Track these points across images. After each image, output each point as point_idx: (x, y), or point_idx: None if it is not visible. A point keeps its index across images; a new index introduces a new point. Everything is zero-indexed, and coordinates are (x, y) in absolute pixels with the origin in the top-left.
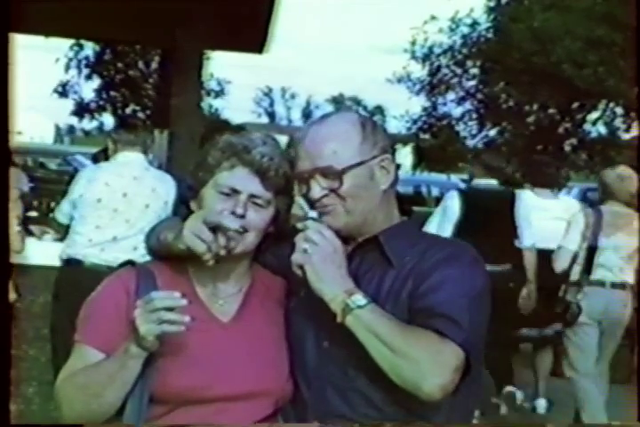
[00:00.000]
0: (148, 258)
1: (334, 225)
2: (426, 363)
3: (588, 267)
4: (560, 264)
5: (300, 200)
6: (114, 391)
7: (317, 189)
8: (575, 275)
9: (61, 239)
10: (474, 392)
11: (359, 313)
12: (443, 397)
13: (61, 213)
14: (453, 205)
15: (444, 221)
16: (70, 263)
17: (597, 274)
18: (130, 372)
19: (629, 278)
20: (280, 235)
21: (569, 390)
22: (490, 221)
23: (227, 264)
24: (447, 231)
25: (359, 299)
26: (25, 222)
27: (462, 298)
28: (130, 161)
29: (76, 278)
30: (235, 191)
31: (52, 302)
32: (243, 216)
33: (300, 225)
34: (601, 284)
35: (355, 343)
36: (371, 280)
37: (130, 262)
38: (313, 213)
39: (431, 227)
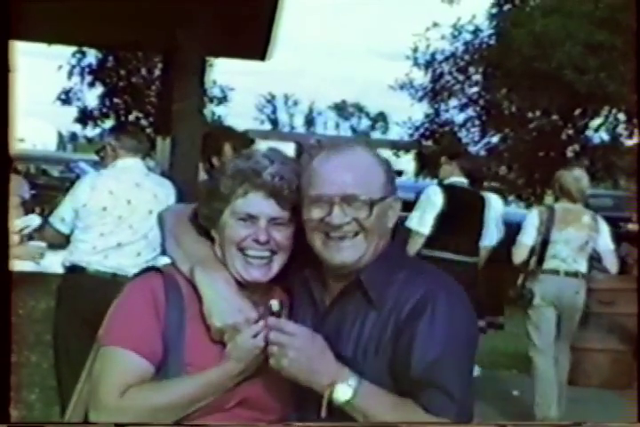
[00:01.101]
0: (151, 263)
1: (349, 257)
2: None
3: (542, 257)
4: (518, 257)
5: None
6: (192, 409)
7: (340, 215)
8: (531, 265)
9: (57, 247)
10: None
11: (351, 403)
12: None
13: (62, 221)
14: (437, 199)
15: (425, 214)
16: (74, 270)
17: (551, 264)
18: (216, 396)
19: (582, 268)
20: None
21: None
22: (464, 218)
23: (252, 287)
24: (428, 224)
25: (344, 392)
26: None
27: (445, 355)
28: (129, 167)
29: (80, 285)
30: (252, 217)
31: (55, 308)
32: (267, 242)
33: (254, 328)
34: (555, 272)
35: (350, 354)
36: (354, 324)
37: (155, 268)
38: (275, 305)
39: (413, 222)
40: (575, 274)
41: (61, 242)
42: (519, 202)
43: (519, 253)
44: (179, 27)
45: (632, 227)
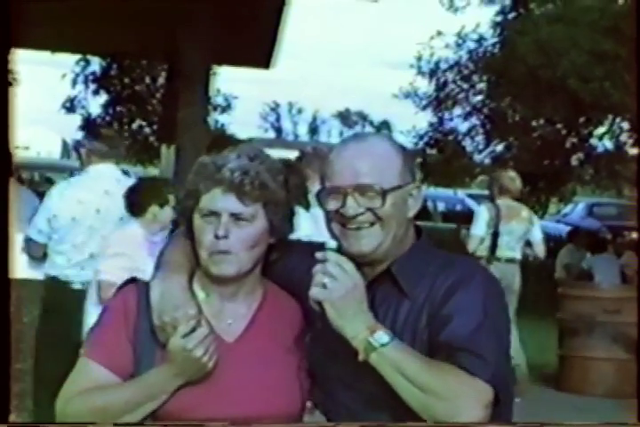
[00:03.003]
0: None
1: (367, 246)
2: (456, 401)
3: (493, 247)
4: (471, 247)
5: (322, 223)
6: (138, 415)
7: (354, 206)
8: (482, 252)
9: (37, 257)
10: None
11: (383, 351)
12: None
13: (39, 232)
14: None
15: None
16: (53, 284)
17: (497, 253)
18: (159, 402)
19: (518, 255)
20: (283, 246)
21: None
22: None
23: (231, 283)
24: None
25: (382, 336)
26: None
27: (481, 327)
28: (101, 174)
29: (60, 299)
30: (214, 213)
31: (39, 319)
32: (225, 237)
33: (319, 255)
34: (498, 259)
35: (379, 380)
36: (387, 312)
37: (132, 279)
38: (332, 244)
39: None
40: (513, 260)
41: (42, 253)
42: None
43: (472, 244)
44: (183, 35)
45: (636, 236)
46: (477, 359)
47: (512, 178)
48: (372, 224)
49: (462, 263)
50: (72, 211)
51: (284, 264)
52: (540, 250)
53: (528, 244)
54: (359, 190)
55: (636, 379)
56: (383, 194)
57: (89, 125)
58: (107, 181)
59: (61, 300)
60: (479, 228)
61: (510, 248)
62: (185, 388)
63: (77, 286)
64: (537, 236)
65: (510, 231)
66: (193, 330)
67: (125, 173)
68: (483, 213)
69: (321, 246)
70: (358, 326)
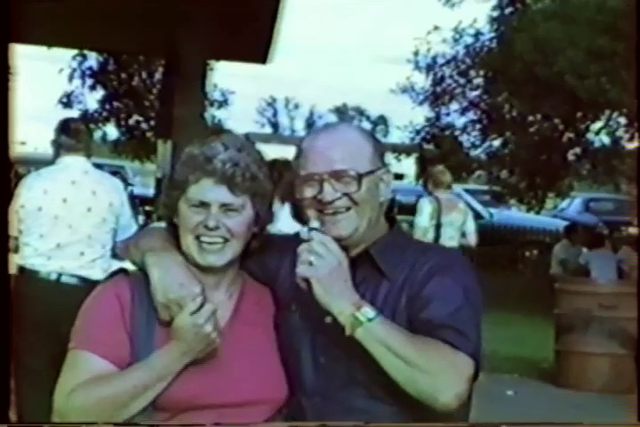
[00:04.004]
0: (97, 262)
1: (345, 230)
2: (442, 375)
3: (437, 238)
4: (416, 237)
5: (304, 210)
6: (144, 401)
7: (331, 191)
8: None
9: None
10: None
11: (369, 326)
12: (458, 406)
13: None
14: None
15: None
16: (21, 273)
17: (439, 242)
18: (166, 382)
19: (456, 244)
20: (263, 236)
21: None
22: None
23: (215, 273)
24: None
25: (368, 311)
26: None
27: (463, 308)
28: (68, 166)
29: (27, 288)
30: (204, 204)
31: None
32: (217, 227)
33: (303, 235)
34: None
35: (352, 358)
36: (364, 292)
37: (122, 270)
38: (315, 224)
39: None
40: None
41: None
42: (520, 206)
43: (416, 234)
44: (180, 30)
45: (632, 231)
46: (460, 335)
47: (442, 171)
48: (347, 209)
49: (443, 250)
50: (38, 201)
51: (264, 254)
52: (472, 239)
53: (462, 234)
54: (335, 176)
55: (632, 375)
56: (359, 179)
57: (61, 122)
58: (74, 171)
59: (29, 289)
60: (423, 219)
61: (451, 238)
62: (183, 375)
63: (43, 276)
64: (470, 226)
65: (451, 222)
66: (201, 306)
67: (100, 166)
68: (426, 205)
69: (295, 237)
70: (344, 302)
